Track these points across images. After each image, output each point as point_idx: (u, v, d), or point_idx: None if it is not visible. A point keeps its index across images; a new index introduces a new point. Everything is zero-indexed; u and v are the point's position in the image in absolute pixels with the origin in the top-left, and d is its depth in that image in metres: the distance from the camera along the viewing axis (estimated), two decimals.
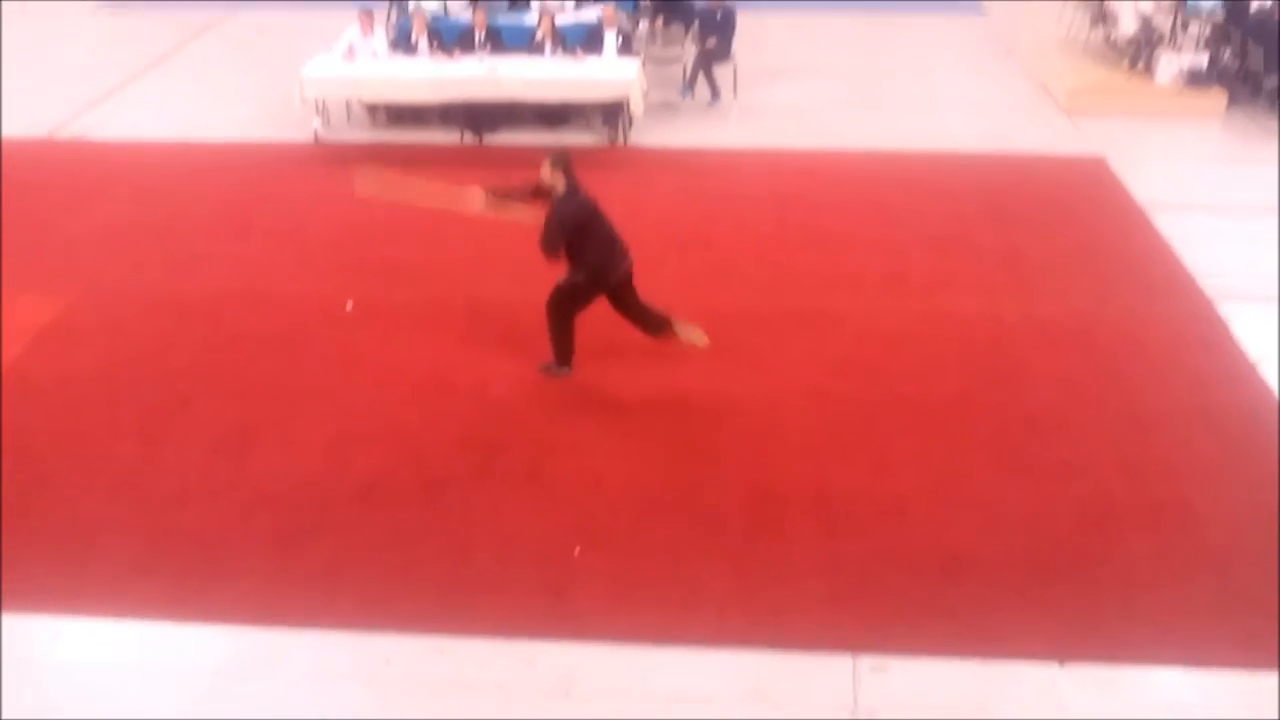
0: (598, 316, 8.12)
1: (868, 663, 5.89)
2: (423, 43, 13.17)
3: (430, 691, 5.79)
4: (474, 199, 7.98)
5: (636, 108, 12.58)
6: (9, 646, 6.06)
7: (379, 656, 5.97)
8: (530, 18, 13.83)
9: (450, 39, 13.22)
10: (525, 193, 7.92)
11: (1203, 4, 14.05)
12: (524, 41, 13.31)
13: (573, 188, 7.71)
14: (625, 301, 8.05)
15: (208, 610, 6.26)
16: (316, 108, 12.95)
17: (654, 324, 8.15)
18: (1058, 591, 6.31)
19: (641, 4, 15.27)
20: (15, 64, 15.82)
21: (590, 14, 13.98)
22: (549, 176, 7.69)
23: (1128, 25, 14.38)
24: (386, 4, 14.97)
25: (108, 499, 7.10)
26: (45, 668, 5.97)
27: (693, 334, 8.17)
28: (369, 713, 5.69)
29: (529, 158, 12.16)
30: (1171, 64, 13.80)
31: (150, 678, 5.88)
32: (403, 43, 13.42)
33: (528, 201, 7.89)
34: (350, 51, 12.99)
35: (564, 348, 8.20)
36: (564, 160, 7.70)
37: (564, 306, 8.05)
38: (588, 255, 7.77)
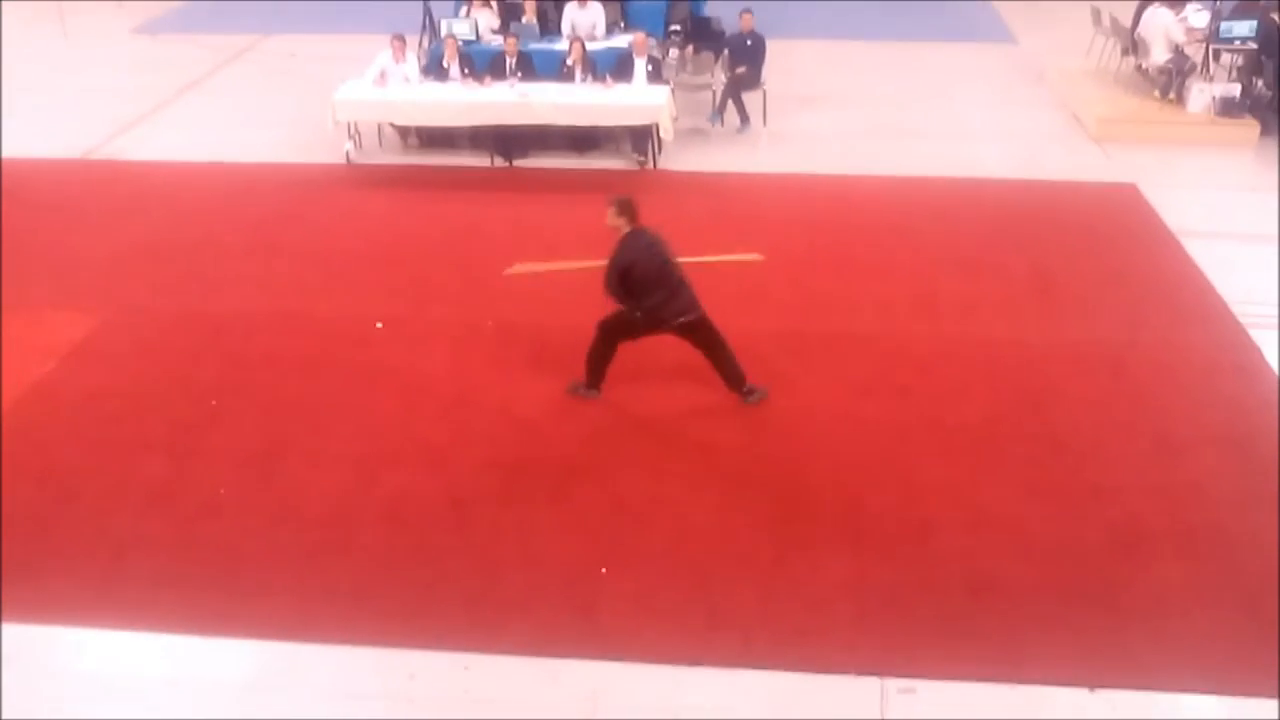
0: (624, 342, 8.11)
1: (896, 685, 5.84)
2: (454, 68, 13.27)
3: (455, 707, 5.77)
4: None
5: (666, 133, 12.62)
6: (36, 657, 6.10)
7: (404, 672, 5.97)
8: (561, 44, 13.90)
9: (482, 65, 13.31)
10: None
11: (1235, 34, 14.00)
12: (555, 68, 13.38)
13: (636, 230, 7.73)
14: (704, 348, 8.05)
15: (234, 624, 6.28)
16: (349, 131, 13.06)
17: (732, 378, 8.13)
18: (1088, 616, 6.25)
19: (672, 32, 15.34)
20: (54, 87, 16.05)
21: (621, 41, 14.04)
22: (612, 220, 7.73)
23: (1159, 55, 14.31)
24: (419, 30, 15.10)
25: (136, 513, 7.15)
26: (72, 679, 5.99)
27: (760, 398, 8.20)
28: None
29: (558, 181, 12.39)
30: (1203, 93, 13.74)
31: (176, 690, 5.90)
32: (435, 68, 13.52)
33: None
34: (383, 76, 13.09)
35: (598, 371, 8.20)
36: (626, 205, 7.72)
37: (614, 333, 8.03)
38: (646, 296, 7.74)
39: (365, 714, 5.77)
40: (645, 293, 7.72)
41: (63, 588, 6.56)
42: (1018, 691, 5.81)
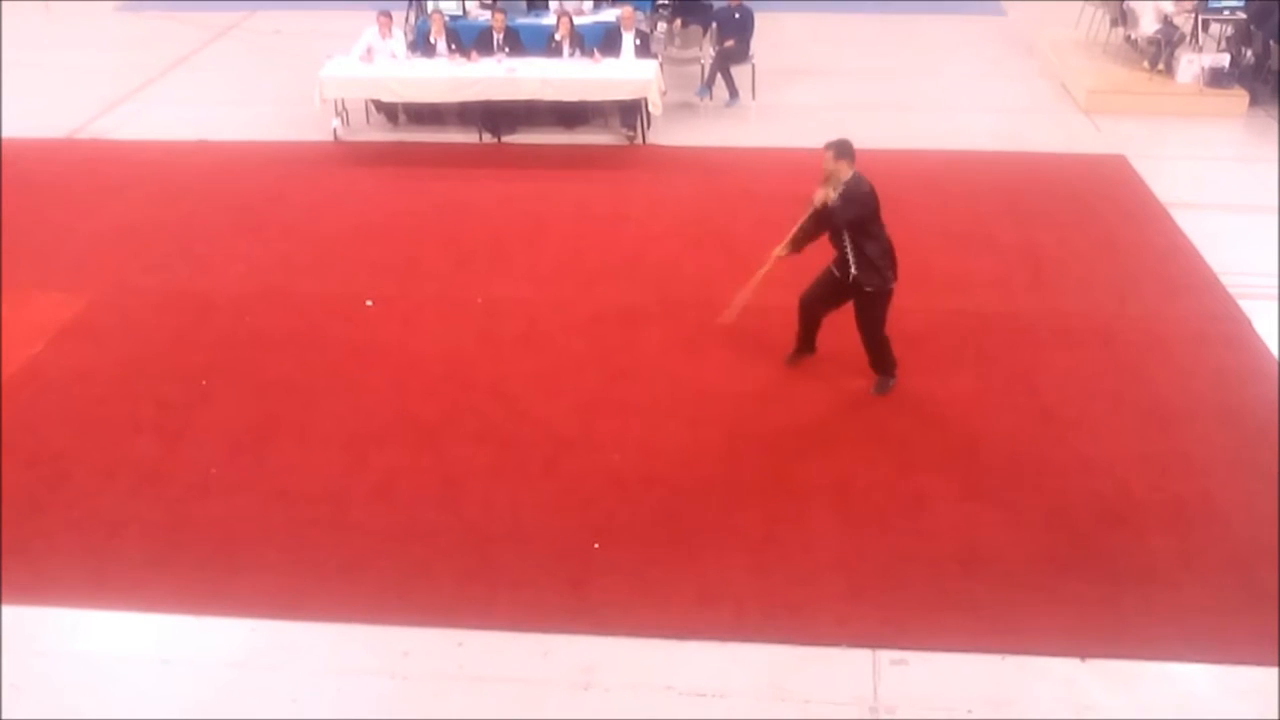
0: (614, 317, 8.07)
1: (887, 657, 5.86)
2: (441, 44, 13.20)
3: (449, 683, 5.79)
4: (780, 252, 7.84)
5: (655, 108, 12.58)
6: (29, 638, 6.09)
7: (397, 649, 5.97)
8: (548, 19, 13.84)
9: (469, 40, 13.23)
10: (810, 222, 7.70)
11: (1224, 3, 13.97)
12: (542, 43, 13.31)
13: (858, 175, 7.50)
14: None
15: (227, 603, 6.28)
16: (336, 108, 13.00)
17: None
18: (1079, 587, 6.27)
19: (659, 5, 15.27)
20: (37, 65, 15.91)
21: (608, 15, 13.98)
22: (832, 164, 7.49)
23: (1148, 25, 14.26)
24: (405, 6, 15.01)
25: (127, 494, 7.14)
26: (65, 660, 6.00)
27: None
28: (387, 705, 5.70)
29: (547, 156, 12.35)
30: (1192, 64, 13.71)
31: (170, 669, 5.90)
32: (421, 44, 13.45)
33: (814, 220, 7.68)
34: (369, 53, 13.02)
35: (890, 359, 8.03)
36: (846, 148, 7.49)
37: (878, 323, 7.86)
38: (871, 249, 7.55)
39: (359, 691, 5.78)
40: (875, 245, 7.54)
41: (55, 569, 6.55)
42: (1009, 662, 5.83)
